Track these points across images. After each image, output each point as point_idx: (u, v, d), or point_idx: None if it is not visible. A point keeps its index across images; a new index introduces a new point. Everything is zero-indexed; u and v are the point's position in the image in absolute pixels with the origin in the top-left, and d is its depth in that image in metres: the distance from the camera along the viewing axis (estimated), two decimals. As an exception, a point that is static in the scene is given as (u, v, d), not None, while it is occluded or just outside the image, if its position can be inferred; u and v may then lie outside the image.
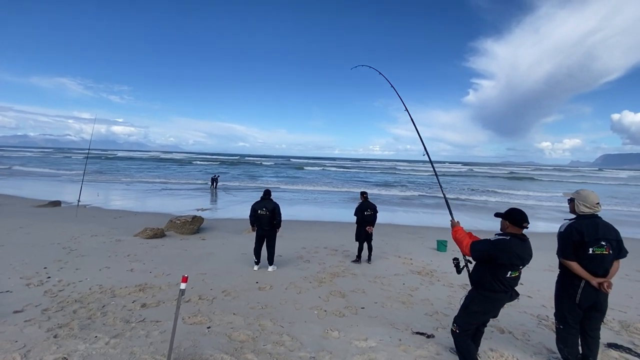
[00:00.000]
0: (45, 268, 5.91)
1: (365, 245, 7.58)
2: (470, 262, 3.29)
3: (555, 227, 13.53)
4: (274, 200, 6.88)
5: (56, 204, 14.59)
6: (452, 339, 3.21)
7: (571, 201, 3.17)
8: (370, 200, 7.91)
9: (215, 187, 21.91)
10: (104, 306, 4.38)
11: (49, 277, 5.44)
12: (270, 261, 6.60)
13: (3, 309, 4.05)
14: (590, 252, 2.92)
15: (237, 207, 16.91)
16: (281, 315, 4.37)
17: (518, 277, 2.94)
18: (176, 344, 3.29)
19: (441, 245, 9.21)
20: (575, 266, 2.97)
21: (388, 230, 12.17)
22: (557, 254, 3.13)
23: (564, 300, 3.12)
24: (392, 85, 5.35)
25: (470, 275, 3.18)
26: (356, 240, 7.60)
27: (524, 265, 2.88)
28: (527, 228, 2.87)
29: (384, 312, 4.64)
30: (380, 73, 5.71)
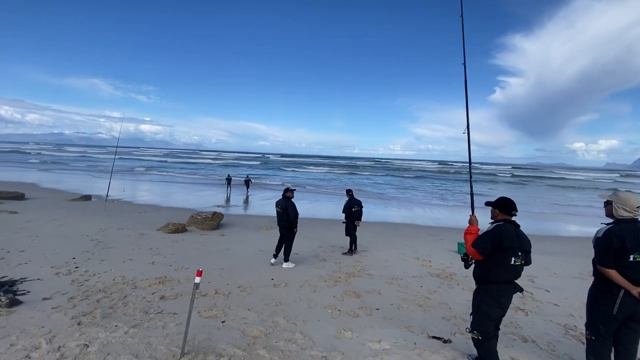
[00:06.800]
0: (74, 258, 6.22)
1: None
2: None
3: (585, 232, 12.72)
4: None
5: (87, 198, 15.41)
6: (472, 346, 3.08)
7: (608, 204, 2.94)
8: (357, 197, 8.52)
9: (248, 188, 22.08)
10: (125, 296, 4.54)
11: (77, 267, 5.72)
12: (285, 258, 6.67)
13: (33, 296, 4.29)
14: (631, 259, 2.71)
15: (256, 204, 17.17)
16: (295, 313, 4.36)
17: (521, 267, 2.92)
18: (191, 336, 3.35)
19: (462, 248, 8.88)
20: (614, 274, 2.76)
21: (408, 231, 11.94)
22: (593, 261, 2.92)
23: (598, 310, 2.90)
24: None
25: (473, 271, 3.15)
26: (347, 235, 8.13)
27: (524, 252, 2.89)
28: (515, 215, 3.02)
29: (400, 314, 4.53)
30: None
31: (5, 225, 8.59)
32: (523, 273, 3.03)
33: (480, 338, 2.94)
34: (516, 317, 4.59)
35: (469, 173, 4.03)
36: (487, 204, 3.23)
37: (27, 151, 73.89)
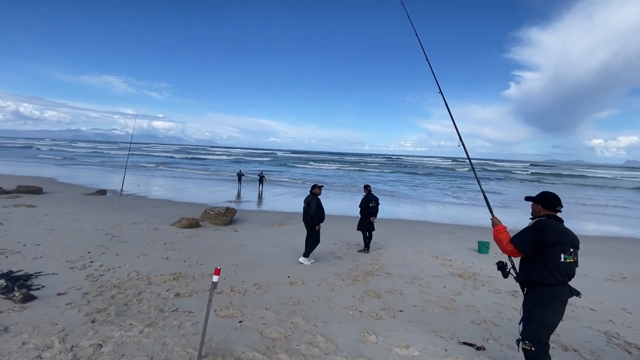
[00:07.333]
0: (89, 253, 6.16)
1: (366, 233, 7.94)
2: (515, 268, 2.99)
3: (612, 232, 12.04)
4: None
5: (102, 192, 15.55)
6: (509, 355, 2.80)
7: None
8: (374, 193, 8.27)
9: (262, 185, 21.83)
10: (140, 293, 4.42)
11: (92, 262, 5.65)
12: (305, 253, 6.56)
13: (48, 291, 4.21)
14: None
15: (268, 200, 17.04)
16: (314, 313, 4.15)
17: (574, 265, 2.61)
18: (208, 337, 3.18)
19: (483, 247, 8.55)
20: None
21: (423, 229, 11.59)
22: None
23: None
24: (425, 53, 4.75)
25: (519, 276, 2.85)
26: (360, 229, 7.91)
27: (574, 247, 2.60)
28: (560, 212, 2.75)
29: (425, 317, 4.27)
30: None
31: (23, 219, 8.66)
32: None
33: (533, 349, 2.64)
34: (551, 323, 4.28)
35: (477, 181, 4.01)
36: (528, 199, 2.95)
37: (38, 147, 75.75)
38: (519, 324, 2.79)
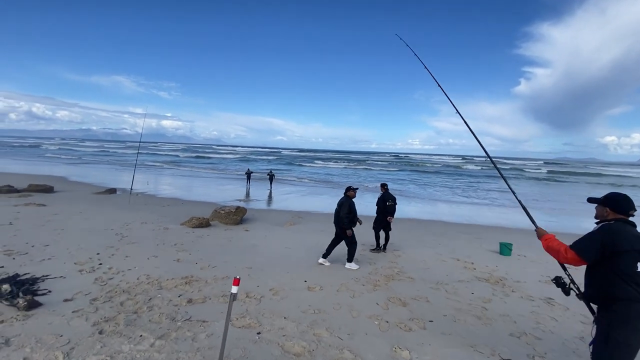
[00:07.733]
0: (98, 254, 5.95)
1: (382, 233, 7.77)
2: (574, 282, 2.57)
3: None
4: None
5: (112, 191, 15.47)
6: None
7: None
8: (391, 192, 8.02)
9: (271, 183, 21.46)
10: (150, 299, 4.16)
11: (101, 264, 5.43)
12: (348, 258, 6.31)
13: (54, 297, 3.98)
14: None
15: (277, 199, 16.79)
16: (337, 323, 3.84)
17: None
18: (225, 352, 2.88)
19: (505, 249, 8.12)
20: None
21: (438, 229, 11.18)
22: None
23: None
24: (430, 73, 4.80)
25: (587, 291, 2.44)
26: (374, 228, 7.74)
27: None
28: (633, 215, 2.38)
29: (458, 328, 3.92)
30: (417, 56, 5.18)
31: (33, 218, 8.53)
32: None
33: None
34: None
35: (511, 191, 3.66)
36: (591, 200, 2.58)
37: (46, 146, 76.73)
38: (590, 345, 2.41)
